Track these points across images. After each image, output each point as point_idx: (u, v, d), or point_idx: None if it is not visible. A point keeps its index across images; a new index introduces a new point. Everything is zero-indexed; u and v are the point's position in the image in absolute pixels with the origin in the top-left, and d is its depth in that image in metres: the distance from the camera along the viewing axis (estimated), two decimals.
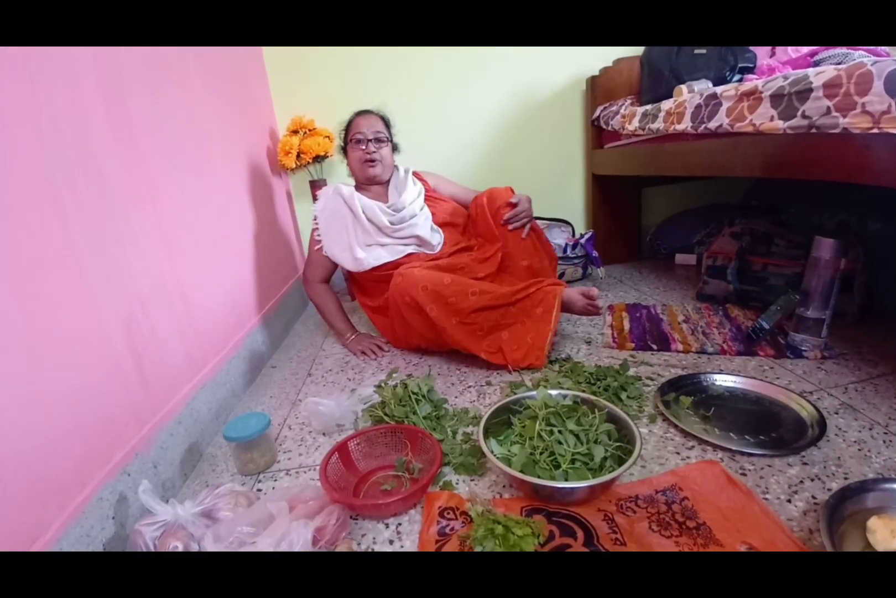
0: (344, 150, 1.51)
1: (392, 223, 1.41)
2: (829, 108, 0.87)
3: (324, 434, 1.02)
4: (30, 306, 0.62)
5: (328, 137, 1.83)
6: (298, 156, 1.78)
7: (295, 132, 1.80)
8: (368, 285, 1.48)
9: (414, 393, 0.97)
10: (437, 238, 1.44)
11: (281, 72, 1.90)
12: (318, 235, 1.46)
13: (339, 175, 2.01)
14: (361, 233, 1.42)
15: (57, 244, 0.69)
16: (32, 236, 0.64)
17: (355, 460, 0.87)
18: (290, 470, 0.91)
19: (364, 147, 1.42)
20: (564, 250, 1.82)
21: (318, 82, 1.92)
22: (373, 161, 1.43)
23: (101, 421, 0.73)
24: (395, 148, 1.52)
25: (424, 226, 1.43)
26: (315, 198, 1.88)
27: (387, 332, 1.44)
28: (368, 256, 1.39)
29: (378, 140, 1.43)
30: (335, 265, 1.48)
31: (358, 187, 1.50)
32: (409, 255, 1.40)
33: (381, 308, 1.43)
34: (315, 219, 1.47)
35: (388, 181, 1.53)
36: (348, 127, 1.47)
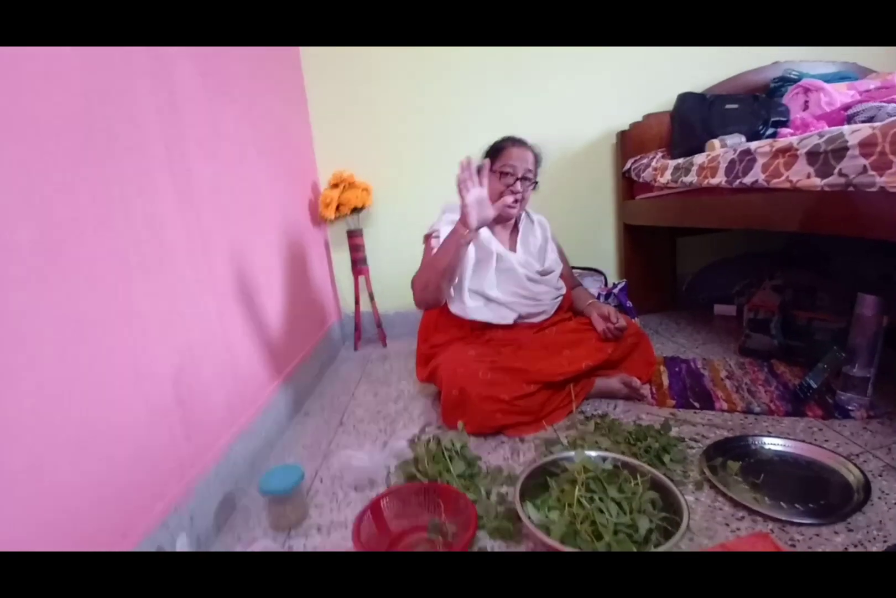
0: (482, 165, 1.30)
1: (528, 278, 1.32)
2: (865, 166, 0.87)
3: (355, 489, 1.00)
4: (92, 353, 0.66)
5: (366, 189, 1.92)
6: (338, 208, 1.87)
7: (335, 186, 1.90)
8: (442, 319, 1.36)
9: (447, 449, 0.96)
10: (555, 303, 1.38)
11: (324, 129, 2.03)
12: (437, 244, 1.27)
13: (375, 224, 2.09)
14: (476, 276, 1.29)
15: (121, 298, 0.73)
16: (100, 293, 0.69)
17: (387, 520, 0.86)
18: (322, 527, 0.90)
19: (510, 184, 1.29)
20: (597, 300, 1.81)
21: (358, 137, 2.04)
22: (516, 201, 1.30)
23: (146, 472, 0.75)
24: (537, 185, 1.36)
25: (556, 287, 1.37)
26: (354, 248, 1.97)
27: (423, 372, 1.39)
28: (474, 306, 1.28)
29: (526, 179, 1.31)
30: None
31: None
32: (513, 324, 1.31)
33: (435, 351, 1.34)
34: (436, 232, 1.31)
35: (515, 223, 1.43)
36: (497, 153, 1.32)
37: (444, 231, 1.27)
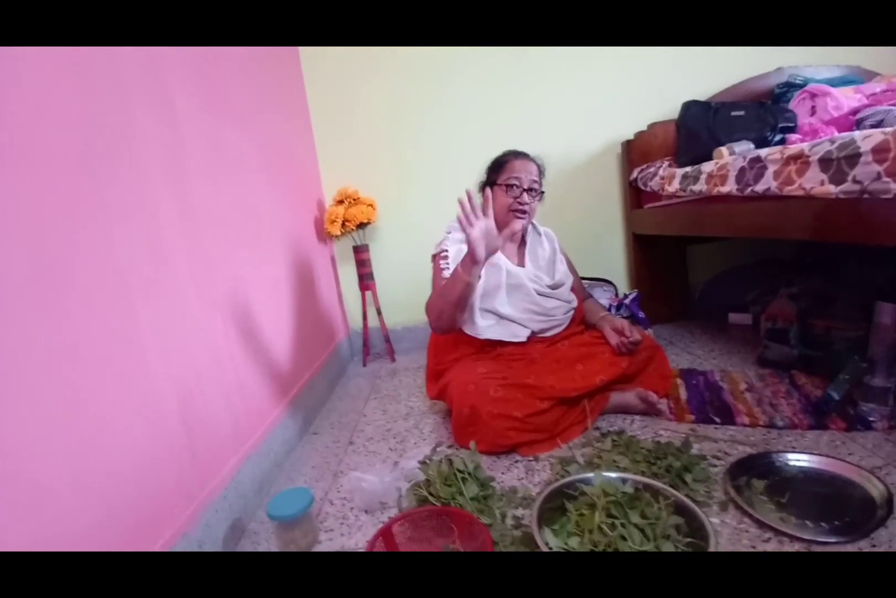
0: (485, 187, 1.32)
1: (539, 293, 1.30)
2: (879, 173, 0.86)
3: (366, 512, 0.98)
4: (90, 381, 0.64)
5: (371, 205, 1.92)
6: (343, 224, 1.86)
7: (340, 202, 1.90)
8: (452, 336, 1.32)
9: (460, 471, 0.93)
10: (567, 317, 1.36)
11: (328, 143, 2.04)
12: (446, 264, 1.27)
13: (381, 239, 2.09)
14: (487, 295, 1.28)
15: (122, 324, 0.72)
16: (98, 318, 0.67)
17: (399, 545, 0.83)
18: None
19: (517, 196, 1.28)
20: (608, 311, 1.78)
21: (362, 154, 2.05)
22: (523, 213, 1.29)
23: (152, 500, 0.73)
24: (542, 196, 1.36)
25: (566, 301, 1.35)
26: (360, 263, 1.96)
27: (433, 391, 1.37)
28: (486, 325, 1.26)
29: (532, 190, 1.30)
30: None
31: None
32: (526, 342, 1.29)
33: (446, 367, 1.32)
34: (444, 252, 1.29)
35: (522, 237, 1.41)
36: (501, 167, 1.32)
37: (452, 250, 1.27)
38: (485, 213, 1.09)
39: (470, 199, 1.07)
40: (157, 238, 0.84)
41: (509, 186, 1.28)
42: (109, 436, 0.66)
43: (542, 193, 1.34)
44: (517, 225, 1.22)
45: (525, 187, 1.28)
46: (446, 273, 1.24)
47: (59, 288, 0.61)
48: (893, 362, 1.03)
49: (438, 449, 1.15)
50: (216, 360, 0.99)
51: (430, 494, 0.91)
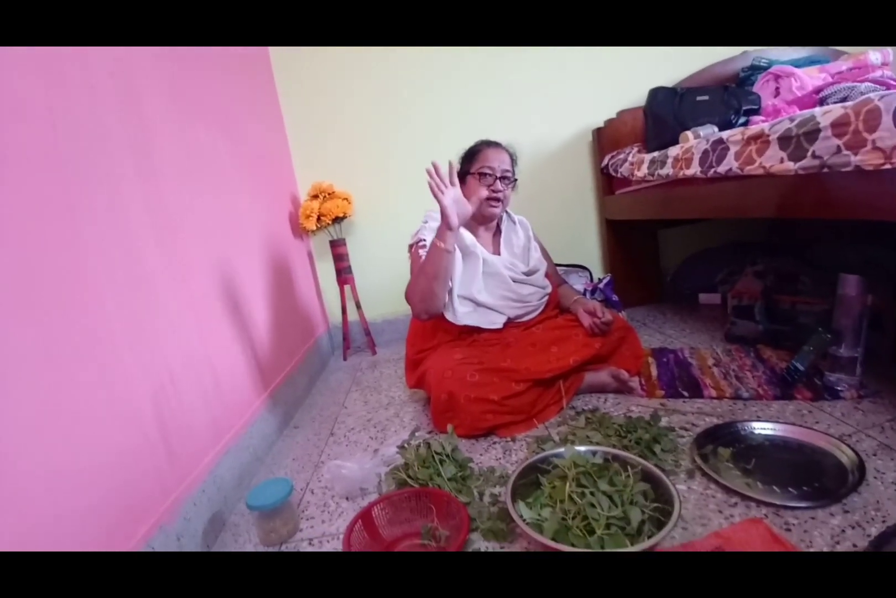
0: (459, 177, 1.28)
1: (514, 280, 1.33)
2: (839, 146, 0.87)
3: (347, 499, 0.99)
4: (65, 385, 0.64)
5: (347, 199, 1.92)
6: (319, 218, 1.86)
7: (315, 196, 1.89)
8: (429, 324, 1.34)
9: (437, 453, 0.95)
10: (541, 303, 1.39)
11: (302, 138, 2.03)
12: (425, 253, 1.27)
13: (357, 234, 2.09)
14: (464, 282, 1.30)
15: (96, 325, 0.72)
16: (70, 318, 0.68)
17: (379, 527, 0.84)
18: (313, 539, 0.88)
19: (491, 184, 1.30)
20: (583, 295, 1.81)
21: (336, 148, 2.04)
22: (497, 201, 1.32)
23: (127, 494, 0.73)
24: (515, 185, 1.38)
25: (541, 287, 1.38)
26: (337, 257, 1.96)
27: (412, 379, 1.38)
28: (463, 312, 1.28)
29: (505, 178, 1.33)
30: None
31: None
32: (502, 328, 1.31)
33: (424, 356, 1.34)
34: (422, 241, 1.31)
35: (497, 225, 1.44)
36: (473, 156, 1.34)
37: (429, 239, 1.28)
38: (452, 183, 1.15)
39: (437, 168, 1.13)
40: (127, 236, 0.84)
41: (482, 175, 1.30)
42: (82, 431, 0.66)
43: (515, 180, 1.37)
44: (483, 192, 1.26)
45: (498, 176, 1.30)
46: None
47: (29, 286, 0.61)
48: (859, 333, 1.05)
49: (417, 434, 1.16)
50: (190, 356, 0.98)
51: (409, 476, 0.93)
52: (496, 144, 1.36)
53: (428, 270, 1.18)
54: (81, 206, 0.74)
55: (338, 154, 2.05)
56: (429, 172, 1.12)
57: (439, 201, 1.12)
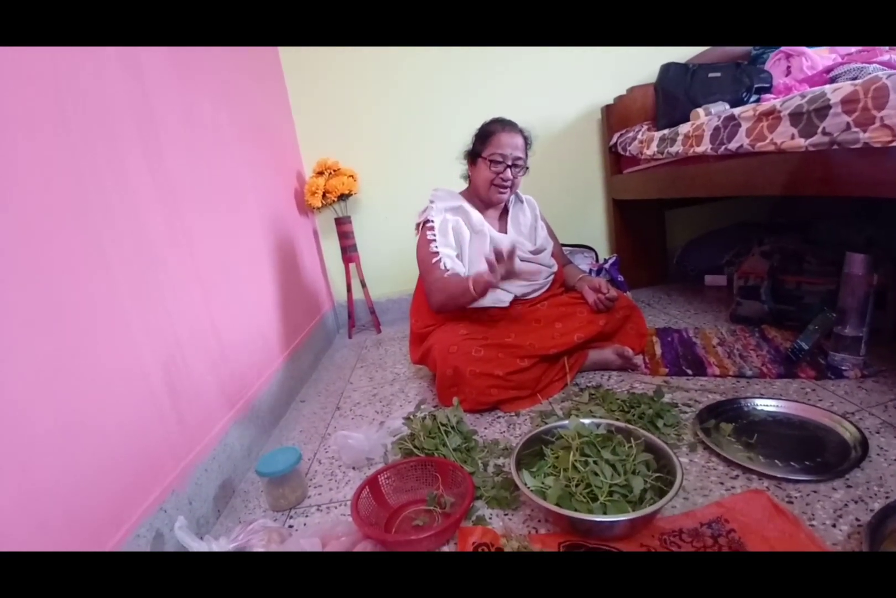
0: (470, 156, 1.33)
1: (521, 259, 1.30)
2: (848, 123, 0.86)
3: (354, 468, 1.01)
4: (75, 348, 0.65)
5: (352, 176, 1.90)
6: (324, 195, 1.85)
7: (320, 173, 1.88)
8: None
9: (443, 425, 0.96)
10: (547, 282, 1.39)
11: (307, 115, 2.00)
12: (433, 235, 1.28)
13: (363, 211, 2.08)
14: (471, 261, 1.30)
15: (103, 292, 0.73)
16: (79, 285, 0.68)
17: (386, 495, 0.86)
18: (321, 505, 0.90)
19: (501, 171, 1.27)
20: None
21: (341, 125, 2.02)
22: (506, 187, 1.30)
23: (139, 459, 0.75)
24: (527, 167, 1.34)
25: (547, 265, 1.38)
26: (343, 235, 1.95)
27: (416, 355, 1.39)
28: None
29: (516, 166, 1.28)
30: None
31: (470, 201, 1.36)
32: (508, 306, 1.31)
33: (428, 331, 1.34)
34: (430, 222, 1.30)
35: (504, 205, 1.42)
36: (487, 139, 1.29)
37: (437, 220, 1.28)
38: (509, 260, 1.09)
39: (499, 257, 1.09)
40: (134, 207, 0.84)
41: (494, 162, 1.27)
42: (93, 394, 0.67)
43: (527, 168, 1.33)
44: (499, 198, 1.27)
45: (509, 164, 1.27)
46: (433, 246, 1.26)
47: (38, 255, 0.62)
48: (864, 312, 1.05)
49: (423, 407, 1.18)
50: (197, 326, 0.99)
51: (415, 446, 0.94)
52: (511, 127, 1.30)
53: (456, 299, 1.20)
54: (88, 176, 0.74)
55: (343, 131, 2.02)
56: (489, 262, 1.09)
57: (492, 278, 1.10)
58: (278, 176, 1.75)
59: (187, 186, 1.05)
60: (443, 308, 1.25)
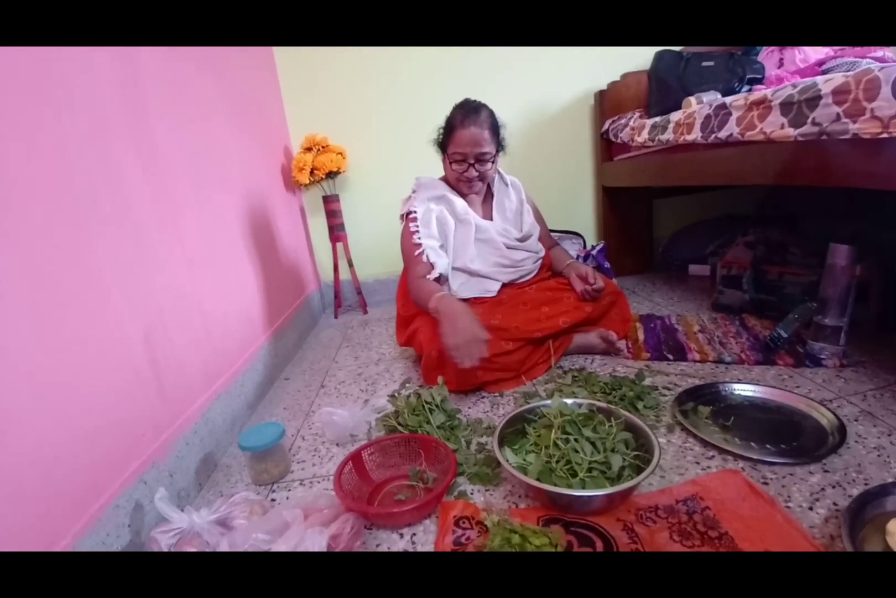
0: (440, 147, 1.31)
1: (507, 246, 1.32)
2: (838, 114, 0.87)
3: (337, 445, 1.01)
4: (55, 316, 0.64)
5: (341, 153, 1.87)
6: (312, 172, 1.82)
7: (309, 149, 1.84)
8: None
9: (427, 402, 0.97)
10: (535, 267, 1.39)
11: (295, 91, 1.95)
12: (416, 226, 1.28)
13: (352, 190, 2.05)
14: (457, 250, 1.30)
15: (84, 260, 0.71)
16: (60, 252, 0.67)
17: (369, 470, 0.87)
18: (304, 480, 0.91)
19: (464, 170, 1.26)
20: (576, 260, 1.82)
21: (330, 100, 1.97)
22: (471, 182, 1.29)
23: (119, 429, 0.74)
24: (502, 149, 1.30)
25: (534, 252, 1.38)
26: (330, 214, 1.93)
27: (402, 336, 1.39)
28: (458, 284, 1.30)
29: (481, 161, 1.25)
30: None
31: (455, 187, 1.34)
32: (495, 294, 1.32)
33: (415, 313, 1.33)
34: (413, 213, 1.29)
35: (489, 188, 1.40)
36: (449, 132, 1.25)
37: (420, 210, 1.28)
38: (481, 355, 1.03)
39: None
40: (117, 177, 0.82)
41: (456, 162, 1.25)
42: (73, 362, 0.66)
43: (502, 150, 1.30)
44: (467, 191, 1.30)
45: (471, 162, 1.24)
46: (416, 237, 1.26)
47: (20, 220, 0.60)
48: (845, 303, 1.07)
49: (408, 386, 1.18)
50: (181, 300, 0.98)
51: (399, 423, 0.95)
52: (472, 120, 1.21)
53: (421, 300, 1.19)
54: (71, 142, 0.71)
55: (333, 107, 1.98)
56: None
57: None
58: (265, 150, 1.72)
59: (172, 158, 1.02)
60: (415, 304, 1.27)
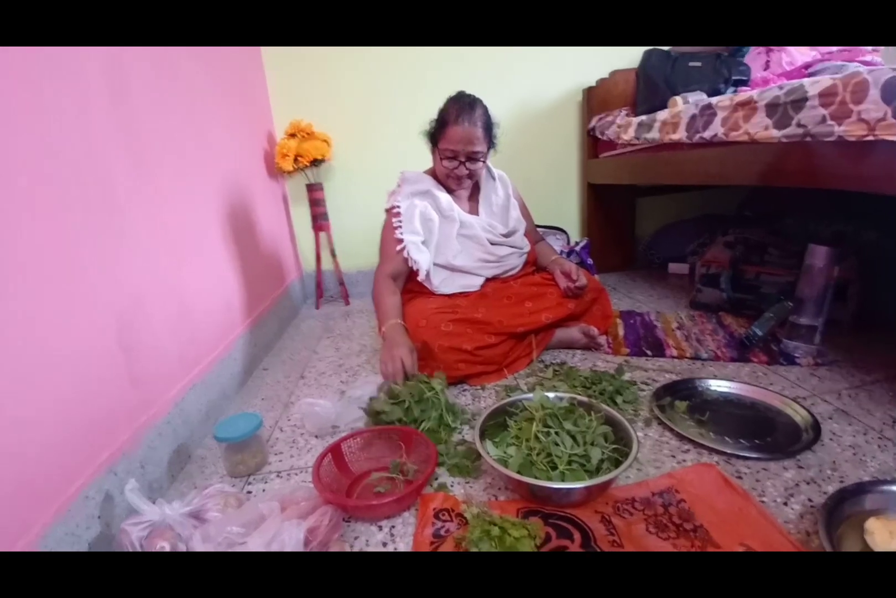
0: (430, 139, 1.28)
1: (492, 242, 1.32)
2: (824, 116, 0.88)
3: (316, 436, 1.00)
4: (27, 298, 0.61)
5: (326, 141, 1.84)
6: (296, 159, 1.78)
7: (293, 135, 1.80)
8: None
9: (431, 388, 0.96)
10: (520, 261, 1.39)
11: (280, 75, 1.90)
12: (398, 221, 1.26)
13: (336, 179, 2.01)
14: (440, 246, 1.30)
15: (60, 240, 0.69)
16: (36, 235, 0.64)
17: (349, 463, 0.86)
18: (281, 472, 0.89)
19: (455, 167, 1.24)
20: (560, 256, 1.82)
21: (316, 86, 1.92)
22: (460, 180, 1.28)
23: (90, 418, 0.71)
24: (493, 147, 1.29)
25: (519, 247, 1.38)
26: (314, 202, 1.89)
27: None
28: (439, 281, 1.29)
29: (472, 159, 1.24)
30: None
31: (441, 182, 1.33)
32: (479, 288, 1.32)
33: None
34: (396, 208, 1.28)
35: (475, 183, 1.38)
36: (442, 126, 1.22)
37: (403, 205, 1.26)
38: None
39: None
40: (100, 161, 0.79)
41: (447, 159, 1.24)
42: (41, 346, 0.63)
43: (493, 146, 1.29)
44: (456, 188, 1.30)
45: (462, 160, 1.23)
46: (398, 233, 1.25)
47: None
48: (822, 303, 1.09)
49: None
50: (160, 287, 0.95)
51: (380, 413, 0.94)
52: (467, 117, 1.19)
53: (377, 309, 1.22)
54: (52, 116, 0.69)
55: (318, 94, 1.93)
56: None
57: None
58: (248, 135, 1.67)
59: (155, 141, 0.99)
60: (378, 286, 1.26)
